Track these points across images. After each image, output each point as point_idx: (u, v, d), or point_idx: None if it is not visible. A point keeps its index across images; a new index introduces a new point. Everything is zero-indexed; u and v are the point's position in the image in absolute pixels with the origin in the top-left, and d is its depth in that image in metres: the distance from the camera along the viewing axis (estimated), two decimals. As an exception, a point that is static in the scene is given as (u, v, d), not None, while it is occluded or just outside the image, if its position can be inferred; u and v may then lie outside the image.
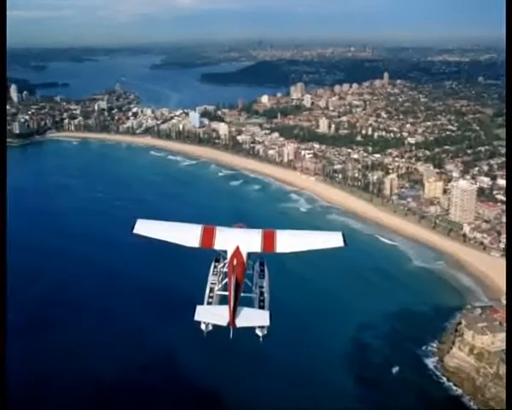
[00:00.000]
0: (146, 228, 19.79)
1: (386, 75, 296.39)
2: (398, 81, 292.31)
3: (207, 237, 19.01)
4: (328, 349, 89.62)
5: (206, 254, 20.02)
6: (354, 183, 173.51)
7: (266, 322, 17.24)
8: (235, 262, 17.85)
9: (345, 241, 18.81)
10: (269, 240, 18.71)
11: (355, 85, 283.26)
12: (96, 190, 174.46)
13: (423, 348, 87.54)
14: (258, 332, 17.59)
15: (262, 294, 18.81)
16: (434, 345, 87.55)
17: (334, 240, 19.06)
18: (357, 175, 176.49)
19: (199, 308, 17.49)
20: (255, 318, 17.46)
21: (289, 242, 18.98)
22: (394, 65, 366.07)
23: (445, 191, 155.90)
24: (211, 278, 19.28)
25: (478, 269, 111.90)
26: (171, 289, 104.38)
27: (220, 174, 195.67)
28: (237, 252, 18.22)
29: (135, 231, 19.58)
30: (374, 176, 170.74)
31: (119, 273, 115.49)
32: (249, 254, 18.71)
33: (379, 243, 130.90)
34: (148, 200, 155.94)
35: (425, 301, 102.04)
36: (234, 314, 16.88)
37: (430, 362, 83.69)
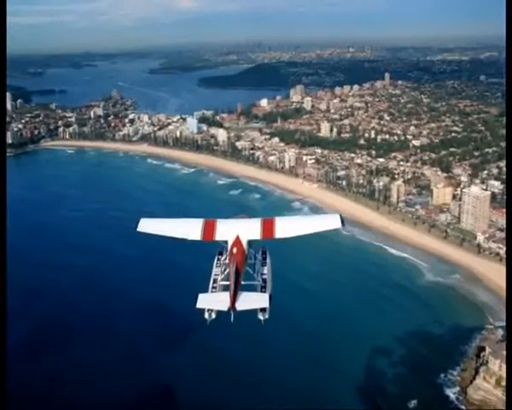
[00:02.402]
0: (149, 226, 20.42)
1: (387, 76, 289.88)
2: (400, 82, 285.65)
3: (208, 229, 19.44)
4: (339, 375, 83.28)
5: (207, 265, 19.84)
6: (359, 189, 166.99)
7: (266, 304, 17.49)
8: (234, 250, 18.34)
9: (342, 222, 19.10)
10: (268, 227, 19.13)
11: (356, 87, 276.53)
12: (92, 201, 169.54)
13: (442, 375, 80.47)
14: (260, 316, 17.83)
15: (264, 281, 19.05)
16: (455, 373, 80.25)
17: (331, 222, 19.41)
18: (361, 181, 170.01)
19: (200, 296, 17.73)
20: (255, 300, 17.61)
21: (288, 227, 19.32)
22: (394, 65, 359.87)
23: (454, 197, 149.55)
24: (214, 271, 19.42)
25: (496, 283, 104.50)
26: (169, 305, 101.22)
27: (220, 182, 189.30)
28: (237, 240, 18.65)
29: (139, 229, 20.16)
30: (379, 182, 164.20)
31: (117, 287, 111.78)
32: (250, 243, 19.03)
33: (388, 255, 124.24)
34: (146, 210, 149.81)
35: (440, 319, 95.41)
36: (234, 299, 17.17)
37: (451, 393, 76.57)
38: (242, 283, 18.04)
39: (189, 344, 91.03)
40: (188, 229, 19.81)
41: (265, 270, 19.44)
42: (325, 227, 19.27)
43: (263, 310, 17.68)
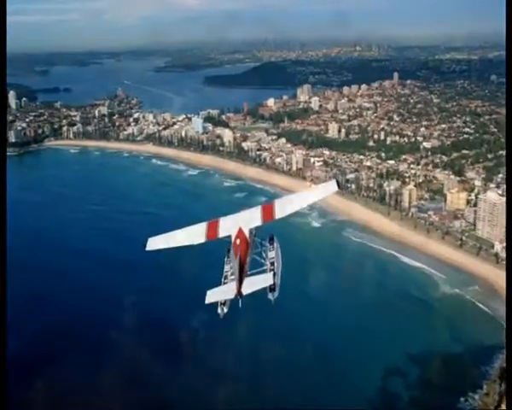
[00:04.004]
0: (157, 243, 21.43)
1: (395, 75, 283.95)
2: (409, 81, 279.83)
3: (212, 229, 20.21)
4: (350, 393, 79.00)
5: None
6: (369, 194, 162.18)
7: (270, 281, 18.07)
8: (238, 242, 19.10)
9: (339, 185, 20.31)
10: (268, 211, 19.87)
11: (364, 86, 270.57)
12: (94, 203, 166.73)
13: (462, 399, 75.51)
14: (270, 296, 18.29)
15: (272, 263, 19.43)
16: (476, 397, 75.36)
17: (329, 189, 20.29)
18: (371, 185, 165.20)
19: (208, 292, 18.36)
20: (259, 282, 18.10)
21: (287, 206, 20.09)
22: (402, 64, 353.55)
23: (468, 202, 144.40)
24: (225, 268, 20.01)
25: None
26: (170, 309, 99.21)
27: (226, 184, 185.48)
28: (239, 232, 19.34)
29: (148, 248, 21.32)
30: (390, 186, 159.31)
31: (118, 295, 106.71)
32: (253, 231, 19.58)
33: (400, 263, 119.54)
34: (150, 212, 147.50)
35: (458, 336, 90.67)
36: (240, 285, 17.77)
37: (474, 421, 71.93)
38: (253, 271, 18.61)
39: (190, 356, 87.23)
40: (193, 235, 20.59)
41: (273, 253, 19.96)
42: (323, 194, 20.04)
43: (272, 290, 18.03)
